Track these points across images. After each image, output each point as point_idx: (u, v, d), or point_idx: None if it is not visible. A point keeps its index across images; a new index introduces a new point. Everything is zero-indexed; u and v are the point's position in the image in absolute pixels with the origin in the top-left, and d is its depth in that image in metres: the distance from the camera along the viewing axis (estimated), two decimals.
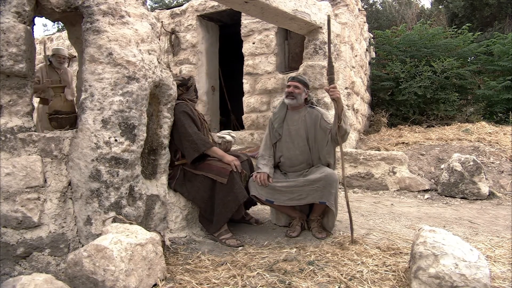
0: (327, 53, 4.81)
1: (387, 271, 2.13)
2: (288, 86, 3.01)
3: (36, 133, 2.19)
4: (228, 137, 3.35)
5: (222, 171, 2.73)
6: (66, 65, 5.35)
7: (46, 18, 2.50)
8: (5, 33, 2.05)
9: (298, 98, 2.98)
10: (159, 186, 2.63)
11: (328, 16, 2.93)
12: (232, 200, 2.71)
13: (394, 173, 4.84)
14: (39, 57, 8.89)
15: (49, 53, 5.80)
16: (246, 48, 6.50)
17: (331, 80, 2.78)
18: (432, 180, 4.90)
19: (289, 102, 3.00)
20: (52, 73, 5.06)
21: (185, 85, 2.99)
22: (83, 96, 2.24)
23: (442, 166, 4.77)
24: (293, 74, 5.60)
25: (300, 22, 4.60)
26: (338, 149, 2.95)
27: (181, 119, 2.78)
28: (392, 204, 4.06)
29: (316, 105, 3.09)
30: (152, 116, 2.65)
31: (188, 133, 2.76)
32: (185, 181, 2.84)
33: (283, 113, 3.07)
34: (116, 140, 2.23)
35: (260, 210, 3.62)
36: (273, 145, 3.09)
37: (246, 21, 6.47)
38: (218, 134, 3.41)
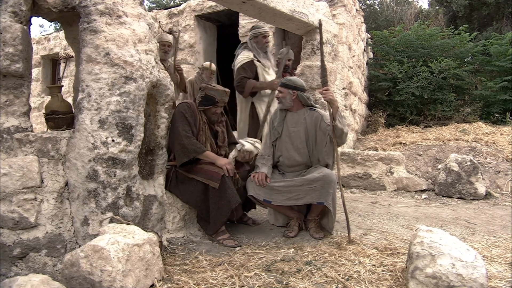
0: (324, 54, 4.83)
1: (384, 271, 2.13)
2: None
3: (32, 133, 2.19)
4: (248, 146, 2.95)
5: (214, 175, 2.71)
6: (171, 54, 4.36)
7: (43, 18, 2.49)
8: (1, 33, 2.04)
9: (283, 101, 3.04)
10: (156, 186, 2.63)
11: (320, 21, 3.01)
12: (226, 205, 2.69)
13: (392, 173, 4.84)
14: (35, 56, 8.88)
15: None
16: None
17: (324, 83, 2.89)
18: (430, 180, 4.91)
19: (279, 106, 3.12)
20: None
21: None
22: (80, 96, 2.23)
23: (439, 166, 4.78)
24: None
25: (297, 23, 4.59)
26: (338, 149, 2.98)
27: (177, 120, 2.77)
28: (389, 204, 4.07)
29: (317, 107, 3.10)
30: (150, 116, 2.65)
31: (180, 136, 2.73)
32: (178, 183, 2.83)
33: (283, 113, 3.09)
34: (113, 140, 2.22)
35: (257, 210, 3.61)
36: (272, 144, 3.10)
37: (244, 21, 6.47)
38: (241, 140, 3.07)
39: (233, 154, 2.96)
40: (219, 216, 2.72)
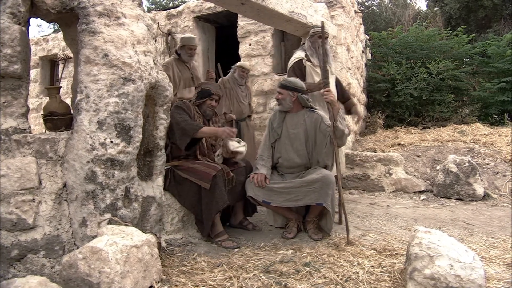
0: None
1: (383, 272, 2.14)
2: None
3: (31, 134, 2.18)
4: (236, 145, 2.96)
5: (204, 176, 2.72)
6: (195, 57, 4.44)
7: (41, 19, 2.48)
8: None
9: (283, 103, 3.04)
10: (155, 187, 2.62)
11: (322, 22, 3.01)
12: (214, 206, 2.70)
13: (390, 174, 4.85)
14: (34, 57, 8.86)
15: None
16: (243, 49, 6.50)
17: (325, 84, 2.89)
18: (428, 181, 4.91)
19: (278, 107, 3.13)
20: (183, 69, 4.22)
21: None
22: (78, 97, 2.23)
23: (438, 168, 4.78)
24: (285, 76, 5.61)
25: (296, 24, 4.60)
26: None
27: (173, 113, 2.85)
28: (388, 205, 4.07)
29: (316, 108, 3.10)
30: (148, 117, 2.65)
31: (177, 121, 2.82)
32: (176, 184, 2.85)
33: (282, 114, 3.09)
34: (111, 142, 2.22)
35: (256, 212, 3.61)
36: (271, 146, 3.10)
37: (243, 23, 6.48)
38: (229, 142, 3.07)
39: (219, 151, 3.06)
40: (208, 217, 2.73)
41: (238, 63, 4.98)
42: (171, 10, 7.31)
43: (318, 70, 3.65)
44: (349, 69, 6.38)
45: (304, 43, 3.96)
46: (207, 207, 2.71)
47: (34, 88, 8.78)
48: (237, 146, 2.97)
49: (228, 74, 4.98)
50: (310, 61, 3.73)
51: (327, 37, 3.68)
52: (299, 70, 3.69)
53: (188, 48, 4.17)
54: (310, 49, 3.78)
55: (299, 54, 3.77)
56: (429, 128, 6.78)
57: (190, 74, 4.21)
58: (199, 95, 3.09)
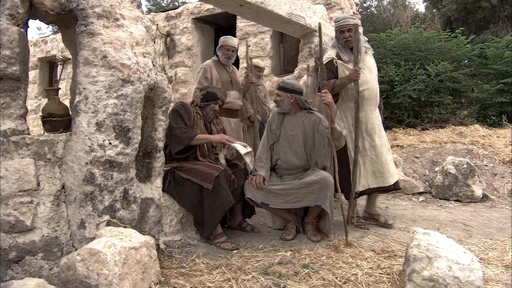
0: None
1: (381, 274, 2.14)
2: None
3: (29, 136, 2.18)
4: (243, 150, 2.93)
5: (207, 176, 2.72)
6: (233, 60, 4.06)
7: (40, 20, 2.48)
8: None
9: (281, 105, 3.03)
10: (153, 189, 2.62)
11: (319, 24, 3.01)
12: (219, 206, 2.70)
13: None
14: (32, 59, 8.85)
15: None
16: (242, 51, 6.51)
17: (323, 85, 2.87)
18: (427, 182, 4.92)
19: (276, 109, 3.12)
20: (222, 72, 3.94)
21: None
22: (77, 99, 2.23)
23: (436, 169, 4.79)
24: (284, 78, 5.62)
25: (295, 26, 4.62)
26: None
27: (171, 118, 2.86)
28: (386, 207, 4.07)
29: (315, 110, 3.10)
30: (147, 119, 2.65)
31: (172, 127, 2.83)
32: (175, 185, 2.84)
33: (281, 116, 3.09)
34: (110, 143, 2.22)
35: (255, 214, 3.61)
36: (270, 148, 3.10)
37: (242, 24, 6.49)
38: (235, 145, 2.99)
39: (223, 152, 3.05)
40: (212, 218, 2.71)
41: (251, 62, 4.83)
42: (170, 12, 7.32)
43: (349, 65, 3.29)
44: None
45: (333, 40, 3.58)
46: (209, 208, 2.71)
47: (33, 89, 8.78)
48: (244, 150, 2.95)
49: (243, 77, 4.59)
50: (341, 59, 3.34)
51: (350, 29, 3.31)
52: (331, 72, 3.31)
53: (226, 48, 3.90)
54: (337, 45, 3.41)
55: (329, 54, 3.40)
56: (427, 129, 6.79)
57: (228, 77, 3.97)
58: (205, 98, 3.11)
